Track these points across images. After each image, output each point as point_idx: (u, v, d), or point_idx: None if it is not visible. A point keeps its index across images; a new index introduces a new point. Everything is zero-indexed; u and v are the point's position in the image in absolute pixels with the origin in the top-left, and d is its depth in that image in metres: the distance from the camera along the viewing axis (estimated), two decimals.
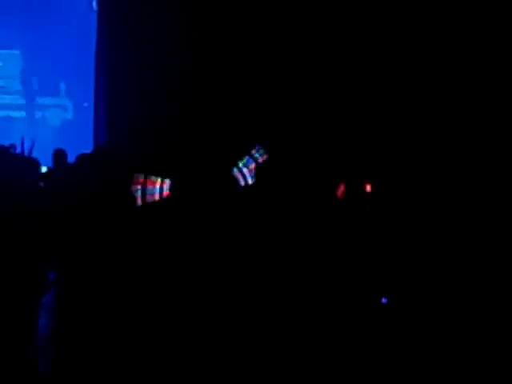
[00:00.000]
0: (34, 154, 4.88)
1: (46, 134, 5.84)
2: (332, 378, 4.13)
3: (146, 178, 5.22)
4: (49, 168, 5.87)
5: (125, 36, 7.77)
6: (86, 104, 8.59)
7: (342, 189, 5.09)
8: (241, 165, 5.72)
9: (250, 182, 5.44)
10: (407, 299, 4.44)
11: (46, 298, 4.30)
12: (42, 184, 4.74)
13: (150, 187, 5.17)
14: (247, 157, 5.75)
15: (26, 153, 4.91)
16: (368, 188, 5.21)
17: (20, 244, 4.09)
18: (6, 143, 5.28)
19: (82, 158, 4.60)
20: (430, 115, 7.45)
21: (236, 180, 5.47)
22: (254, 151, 5.70)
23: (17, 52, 8.58)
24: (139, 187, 5.10)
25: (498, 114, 7.25)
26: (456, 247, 4.77)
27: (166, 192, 5.10)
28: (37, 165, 4.71)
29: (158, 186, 5.20)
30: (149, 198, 5.08)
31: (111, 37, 7.81)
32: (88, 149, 6.28)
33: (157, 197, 5.12)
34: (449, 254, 4.71)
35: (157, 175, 5.52)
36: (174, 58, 7.79)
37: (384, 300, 4.38)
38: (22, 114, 8.68)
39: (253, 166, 5.60)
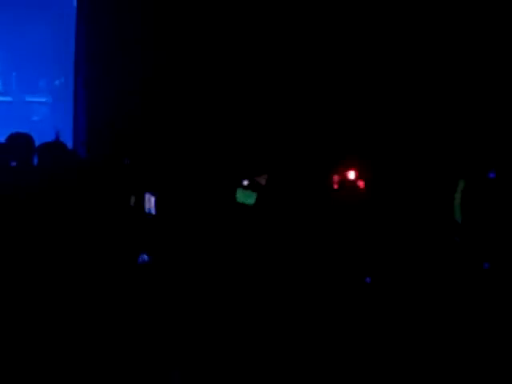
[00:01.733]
0: None
1: (26, 130, 5.83)
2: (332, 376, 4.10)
3: None
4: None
5: (104, 31, 7.77)
6: (57, 82, 8.55)
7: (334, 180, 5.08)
8: None
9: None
10: (402, 295, 4.41)
11: None
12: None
13: None
14: None
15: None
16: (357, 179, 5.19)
17: None
18: None
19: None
20: (422, 108, 7.47)
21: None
22: None
23: None
24: None
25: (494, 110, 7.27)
26: (449, 239, 4.74)
27: None
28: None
29: None
30: None
31: (90, 33, 7.82)
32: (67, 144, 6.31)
33: None
34: (442, 245, 4.68)
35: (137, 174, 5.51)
36: (156, 53, 7.80)
37: (368, 280, 4.37)
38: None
39: None
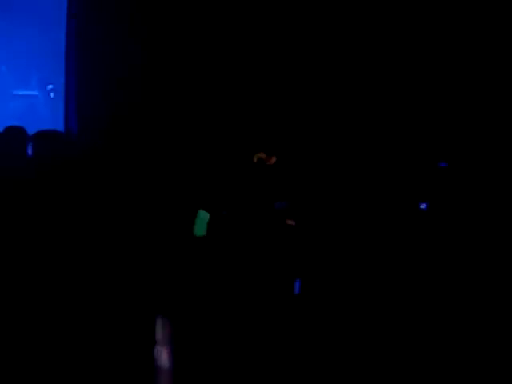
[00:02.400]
0: None
1: (17, 124, 5.84)
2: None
3: None
4: None
5: (95, 24, 7.78)
6: (50, 86, 8.54)
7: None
8: None
9: None
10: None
11: None
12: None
13: None
14: None
15: None
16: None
17: None
18: None
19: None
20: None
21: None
22: None
23: None
24: None
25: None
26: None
27: None
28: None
29: None
30: None
31: (81, 25, 7.82)
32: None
33: None
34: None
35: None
36: (147, 46, 7.81)
37: None
38: None
39: None
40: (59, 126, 7.95)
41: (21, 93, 8.73)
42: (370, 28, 7.64)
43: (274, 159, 5.29)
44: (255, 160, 5.26)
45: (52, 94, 8.48)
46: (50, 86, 8.49)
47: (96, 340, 3.82)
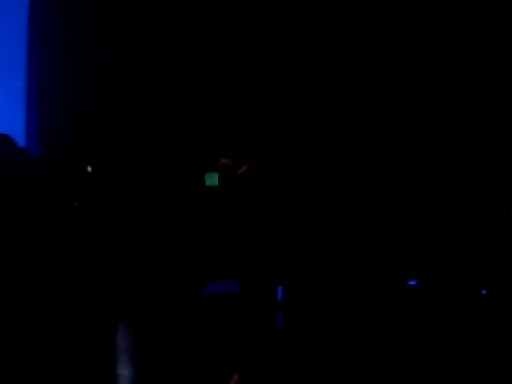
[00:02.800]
0: None
1: None
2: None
3: None
4: None
5: (58, 19, 7.70)
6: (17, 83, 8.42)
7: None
8: None
9: None
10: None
11: None
12: None
13: None
14: None
15: None
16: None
17: None
18: None
19: None
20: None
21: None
22: None
23: None
24: None
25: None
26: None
27: None
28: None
29: None
30: None
31: (44, 20, 7.73)
32: (19, 136, 6.18)
33: None
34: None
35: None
36: (111, 46, 7.73)
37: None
38: None
39: None
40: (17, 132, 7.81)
41: None
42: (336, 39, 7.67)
43: (244, 168, 5.20)
44: (219, 165, 5.19)
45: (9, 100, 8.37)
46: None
47: (57, 341, 3.73)
